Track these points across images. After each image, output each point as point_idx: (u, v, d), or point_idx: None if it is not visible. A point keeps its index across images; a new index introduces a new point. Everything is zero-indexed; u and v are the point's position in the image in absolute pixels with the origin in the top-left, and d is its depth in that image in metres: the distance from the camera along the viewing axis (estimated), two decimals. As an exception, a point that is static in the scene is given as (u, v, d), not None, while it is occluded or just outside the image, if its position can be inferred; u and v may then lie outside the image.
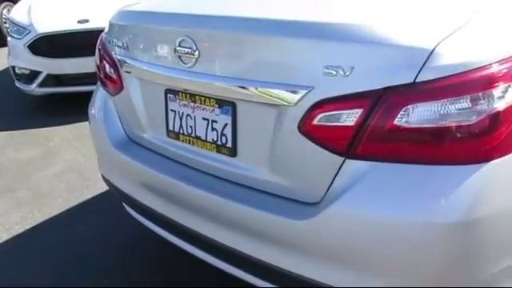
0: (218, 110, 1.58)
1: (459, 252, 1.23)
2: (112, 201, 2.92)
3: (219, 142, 1.60)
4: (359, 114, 1.25)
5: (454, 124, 1.20)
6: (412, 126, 1.22)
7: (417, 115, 1.21)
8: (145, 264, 2.38)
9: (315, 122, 1.32)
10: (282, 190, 1.47)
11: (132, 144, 2.00)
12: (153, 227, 2.01)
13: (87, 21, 4.47)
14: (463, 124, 1.19)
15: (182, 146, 1.74)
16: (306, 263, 1.42)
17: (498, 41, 1.28)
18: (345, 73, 1.25)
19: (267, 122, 1.44)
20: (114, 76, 1.98)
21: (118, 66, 1.93)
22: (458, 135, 1.20)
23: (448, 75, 1.18)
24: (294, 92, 1.34)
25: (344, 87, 1.26)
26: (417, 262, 1.26)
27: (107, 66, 2.04)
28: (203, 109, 1.63)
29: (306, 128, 1.34)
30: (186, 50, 1.56)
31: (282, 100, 1.37)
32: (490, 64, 1.20)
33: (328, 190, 1.35)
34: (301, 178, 1.42)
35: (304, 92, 1.32)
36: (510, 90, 1.20)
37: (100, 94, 2.21)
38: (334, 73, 1.26)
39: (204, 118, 1.63)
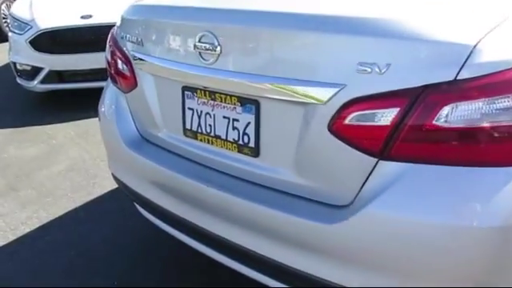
0: (239, 109, 1.52)
1: (498, 258, 1.18)
2: (119, 199, 2.87)
3: (241, 142, 1.54)
4: (395, 113, 1.20)
5: (495, 124, 1.14)
6: (452, 125, 1.16)
7: (457, 114, 1.15)
8: (156, 265, 2.32)
9: (347, 121, 1.26)
10: (308, 192, 1.42)
11: (145, 143, 1.94)
12: (167, 228, 1.95)
13: (90, 16, 4.39)
14: (505, 124, 1.14)
15: (200, 146, 1.68)
16: (333, 267, 1.37)
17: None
18: (380, 70, 1.19)
19: (294, 121, 1.38)
20: (127, 73, 1.92)
21: (132, 62, 1.87)
22: (500, 136, 1.15)
23: (490, 73, 1.13)
24: (324, 90, 1.28)
25: (379, 85, 1.20)
26: (454, 267, 1.20)
27: (119, 62, 1.97)
28: (224, 107, 1.57)
29: (337, 128, 1.28)
30: (207, 45, 1.50)
31: (311, 98, 1.31)
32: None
33: (359, 192, 1.29)
34: (329, 179, 1.36)
35: (335, 90, 1.26)
36: None
37: (110, 91, 2.15)
38: (369, 70, 1.20)
39: (224, 117, 1.57)
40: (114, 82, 2.07)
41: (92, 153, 3.63)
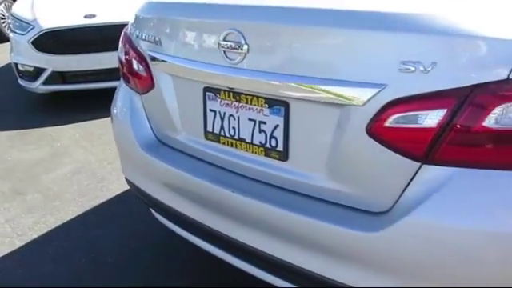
0: (267, 110, 1.45)
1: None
2: (128, 203, 2.79)
3: (268, 145, 1.47)
4: (442, 114, 1.13)
5: (550, 126, 1.07)
6: (503, 127, 1.09)
7: (509, 116, 1.08)
8: (170, 271, 2.24)
9: (387, 123, 1.19)
10: (342, 198, 1.35)
11: (162, 146, 1.87)
12: (184, 234, 1.88)
13: (94, 16, 4.31)
14: (561, 126, 1.07)
15: (223, 149, 1.61)
16: (370, 276, 1.30)
17: None
18: (425, 69, 1.12)
19: (327, 124, 1.31)
20: (143, 73, 1.84)
21: (149, 61, 1.79)
22: (556, 139, 1.08)
23: (546, 72, 1.06)
24: (362, 91, 1.21)
25: (424, 85, 1.13)
26: (502, 277, 1.14)
27: (134, 62, 1.90)
28: (249, 108, 1.49)
29: (377, 130, 1.21)
30: (233, 44, 1.43)
31: (348, 99, 1.24)
32: None
33: (399, 198, 1.22)
34: (366, 184, 1.29)
35: (375, 91, 1.19)
36: None
37: (124, 92, 2.07)
38: (413, 69, 1.13)
39: (250, 119, 1.50)
40: (128, 82, 1.99)
41: (98, 155, 3.55)
